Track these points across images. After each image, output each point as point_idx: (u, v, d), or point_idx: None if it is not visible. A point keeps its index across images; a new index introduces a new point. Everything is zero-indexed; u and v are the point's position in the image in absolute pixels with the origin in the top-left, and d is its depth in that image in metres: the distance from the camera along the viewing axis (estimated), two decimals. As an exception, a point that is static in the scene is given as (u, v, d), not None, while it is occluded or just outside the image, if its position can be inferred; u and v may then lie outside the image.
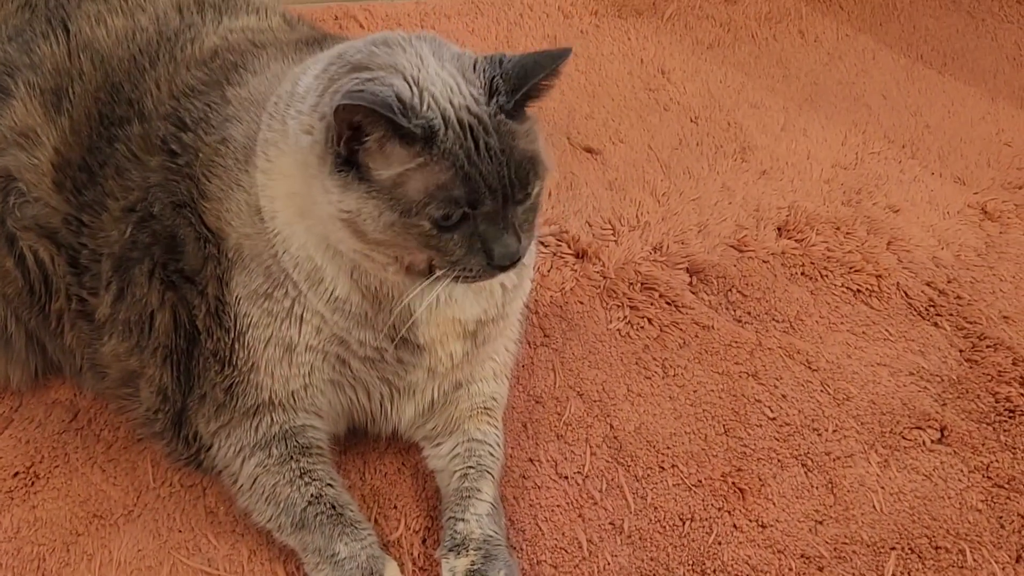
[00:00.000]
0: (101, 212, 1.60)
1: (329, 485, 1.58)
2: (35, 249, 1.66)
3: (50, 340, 1.75)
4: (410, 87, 1.33)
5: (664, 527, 1.71)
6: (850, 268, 2.20)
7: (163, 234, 1.55)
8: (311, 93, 1.40)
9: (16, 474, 1.72)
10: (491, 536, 1.61)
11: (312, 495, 1.56)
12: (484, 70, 1.38)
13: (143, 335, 1.58)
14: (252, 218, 1.49)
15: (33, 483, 1.71)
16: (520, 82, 1.37)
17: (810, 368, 1.99)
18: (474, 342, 1.63)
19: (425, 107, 1.32)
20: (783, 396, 1.93)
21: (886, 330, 2.09)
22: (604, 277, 2.13)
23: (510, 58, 1.39)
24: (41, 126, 1.65)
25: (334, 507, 1.56)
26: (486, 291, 1.57)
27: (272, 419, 1.58)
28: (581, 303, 2.08)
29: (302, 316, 1.52)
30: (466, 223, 1.35)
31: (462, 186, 1.32)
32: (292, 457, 1.58)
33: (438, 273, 1.39)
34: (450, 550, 1.60)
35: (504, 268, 1.39)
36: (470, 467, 1.68)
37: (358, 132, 1.30)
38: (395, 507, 1.71)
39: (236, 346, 1.54)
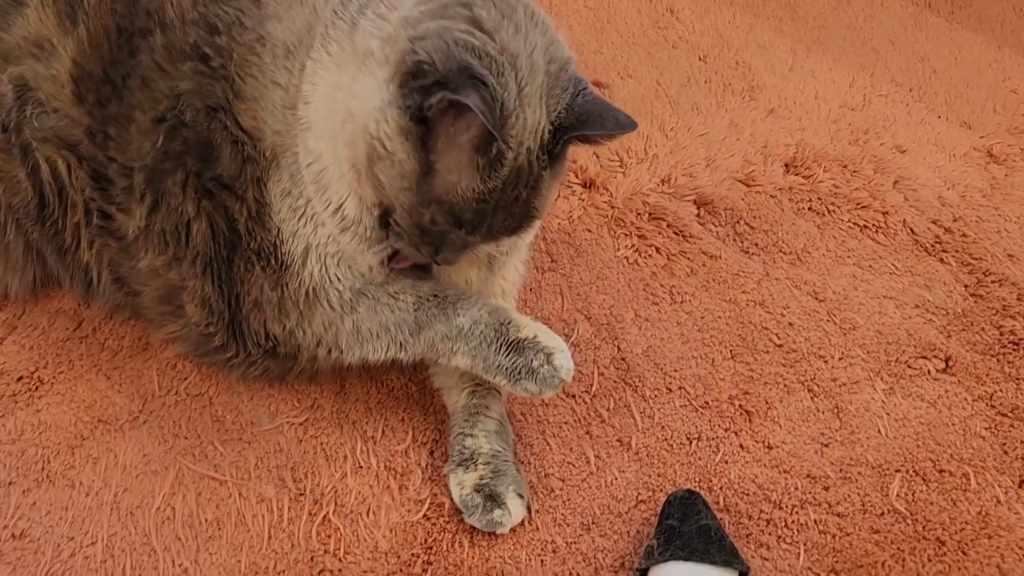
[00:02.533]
0: (129, 125, 1.56)
1: (417, 286, 1.56)
2: (52, 160, 1.63)
3: (54, 254, 1.72)
4: (515, 101, 1.31)
5: (671, 445, 1.71)
6: (857, 204, 2.20)
7: (195, 141, 1.52)
8: (406, 2, 1.37)
9: (20, 378, 1.70)
10: (499, 451, 1.61)
11: (414, 301, 1.54)
12: (562, 93, 1.37)
13: (179, 246, 1.56)
14: (285, 114, 1.47)
15: (37, 388, 1.69)
16: (578, 126, 1.37)
17: (817, 298, 1.99)
18: (489, 269, 1.63)
19: (514, 135, 1.32)
20: (790, 324, 1.93)
21: (892, 264, 2.09)
22: (612, 207, 2.12)
23: (586, 95, 1.38)
24: (56, 36, 1.61)
25: (434, 296, 1.55)
26: None
27: (338, 288, 1.55)
28: (589, 231, 2.07)
29: (315, 220, 1.51)
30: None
31: (473, 214, 1.35)
32: (376, 297, 1.55)
33: (392, 231, 1.42)
34: (458, 464, 1.60)
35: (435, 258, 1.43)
36: (478, 384, 1.68)
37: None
38: (402, 419, 1.70)
39: (278, 242, 1.52)
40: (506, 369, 1.51)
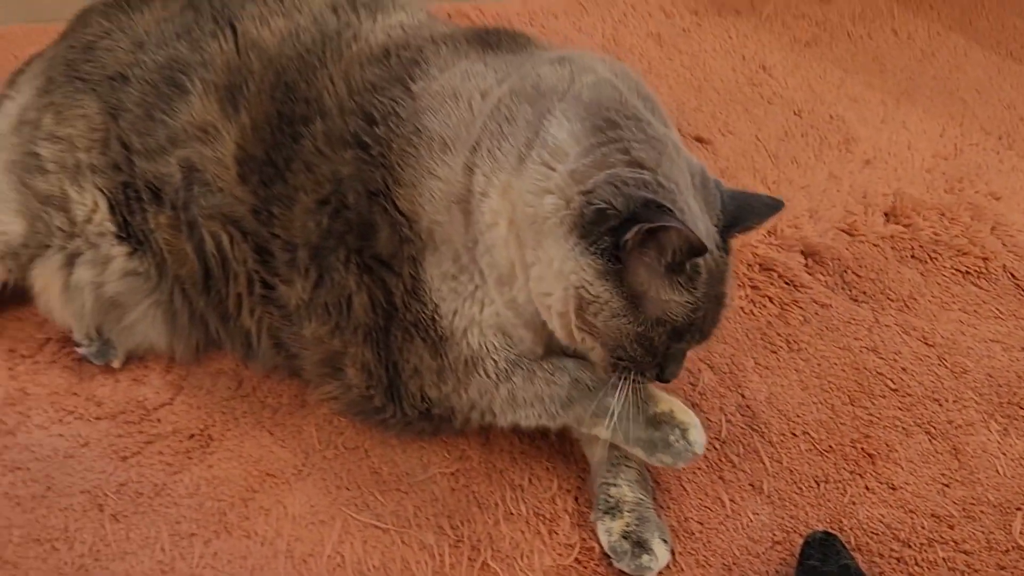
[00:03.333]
0: (292, 205, 1.70)
1: (575, 367, 1.67)
2: (217, 235, 1.77)
3: (217, 320, 1.86)
4: (691, 221, 1.44)
5: (801, 488, 1.81)
6: (957, 251, 2.30)
7: (357, 222, 1.64)
8: (569, 155, 1.49)
9: (192, 436, 1.84)
10: (642, 499, 1.71)
11: (570, 379, 1.65)
12: (713, 198, 1.52)
13: (342, 317, 1.69)
14: (447, 206, 1.58)
15: (208, 444, 1.83)
16: (736, 221, 1.51)
17: (927, 344, 2.08)
18: None
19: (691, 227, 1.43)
20: (903, 369, 2.02)
21: (996, 309, 2.18)
22: (723, 259, 2.23)
23: (727, 191, 1.54)
24: (220, 122, 1.75)
25: (591, 378, 1.65)
26: None
27: (490, 361, 1.67)
28: (703, 283, 2.18)
29: (483, 301, 1.63)
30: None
31: (691, 323, 1.48)
32: (532, 369, 1.67)
33: (620, 366, 1.53)
34: (605, 512, 1.70)
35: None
36: None
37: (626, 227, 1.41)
38: (546, 468, 1.82)
39: (435, 316, 1.64)
40: (644, 441, 1.63)
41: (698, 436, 1.62)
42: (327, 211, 1.67)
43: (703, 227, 1.47)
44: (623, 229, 1.40)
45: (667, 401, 1.64)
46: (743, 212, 1.52)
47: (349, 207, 1.65)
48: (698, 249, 1.39)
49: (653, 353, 1.51)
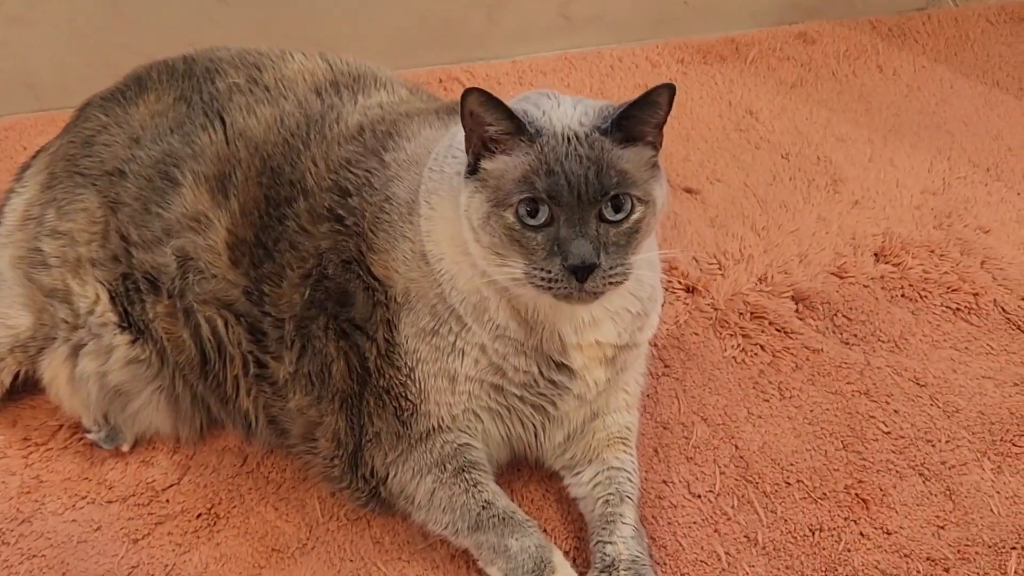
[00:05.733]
0: (281, 282, 1.79)
1: (496, 494, 1.75)
2: (212, 320, 1.85)
3: (217, 402, 1.94)
4: (537, 111, 1.57)
5: (796, 538, 1.84)
6: (947, 288, 2.33)
7: (335, 290, 1.75)
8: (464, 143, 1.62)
9: (199, 515, 1.90)
10: (637, 556, 1.74)
11: (485, 500, 1.72)
12: (603, 109, 1.59)
13: (323, 386, 1.77)
14: (417, 263, 1.69)
15: (215, 523, 1.88)
16: (619, 110, 1.56)
17: (918, 384, 2.11)
18: (613, 368, 1.78)
19: (541, 118, 1.56)
20: (895, 411, 2.05)
21: (988, 345, 2.20)
22: (715, 309, 2.28)
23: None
24: (211, 210, 1.85)
25: (504, 511, 1.72)
26: (618, 316, 1.73)
27: (443, 440, 1.75)
28: (696, 334, 2.23)
29: (463, 349, 1.70)
30: (549, 227, 1.53)
31: (546, 178, 1.52)
32: (463, 470, 1.74)
33: (525, 272, 1.55)
34: (601, 571, 1.73)
35: (579, 275, 1.52)
36: (611, 494, 1.82)
37: (486, 144, 1.55)
38: (544, 530, 1.85)
39: (408, 381, 1.72)
40: None
41: None
42: (309, 283, 1.77)
43: (557, 115, 1.57)
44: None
45: (568, 573, 1.70)
46: (628, 103, 1.57)
47: (329, 277, 1.75)
48: (494, 99, 1.50)
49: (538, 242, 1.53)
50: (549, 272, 1.52)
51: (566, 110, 1.58)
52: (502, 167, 1.54)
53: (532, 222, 1.52)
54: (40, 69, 2.92)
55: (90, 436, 1.98)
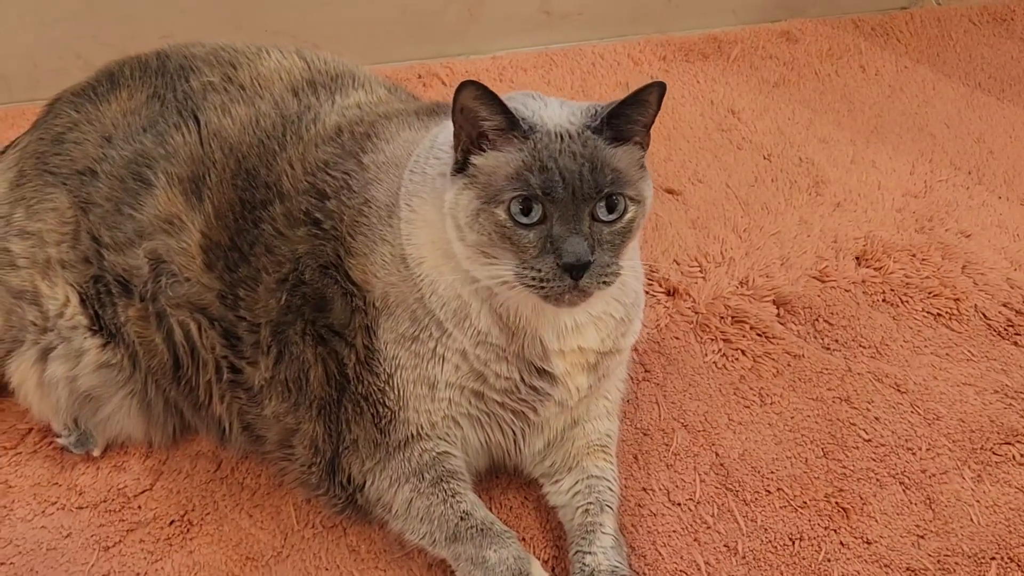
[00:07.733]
0: (256, 286, 1.76)
1: (475, 505, 1.72)
2: (185, 324, 1.82)
3: (190, 407, 1.90)
4: (526, 110, 1.56)
5: (776, 547, 1.83)
6: (929, 293, 2.32)
7: (313, 295, 1.71)
8: (448, 143, 1.59)
9: (172, 522, 1.86)
10: (616, 566, 1.72)
11: (463, 511, 1.70)
12: (590, 108, 1.57)
13: (301, 393, 1.74)
14: (397, 267, 1.66)
15: (188, 530, 1.85)
16: (608, 108, 1.54)
17: (899, 391, 2.10)
18: (595, 375, 1.76)
19: (532, 116, 1.54)
20: (876, 418, 2.04)
21: (968, 351, 2.19)
22: (696, 312, 2.26)
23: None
24: (185, 213, 1.81)
25: (483, 522, 1.70)
26: (601, 321, 1.71)
27: (421, 448, 1.72)
28: (676, 338, 2.21)
29: (443, 356, 1.67)
30: (541, 225, 1.51)
31: (540, 174, 1.49)
32: (442, 479, 1.72)
33: (515, 272, 1.52)
34: (580, 582, 1.73)
35: (573, 273, 1.50)
36: (590, 503, 1.80)
37: (478, 140, 1.52)
38: (523, 539, 1.83)
39: (387, 388, 1.69)
40: None
41: None
42: (286, 288, 1.73)
43: (547, 114, 1.55)
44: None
45: None
46: (617, 102, 1.56)
47: (306, 282, 1.72)
48: (490, 93, 1.48)
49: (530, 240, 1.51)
50: (540, 271, 1.50)
51: (554, 110, 1.56)
52: (494, 163, 1.52)
53: (524, 220, 1.50)
54: (8, 60, 2.86)
55: (60, 441, 1.94)
